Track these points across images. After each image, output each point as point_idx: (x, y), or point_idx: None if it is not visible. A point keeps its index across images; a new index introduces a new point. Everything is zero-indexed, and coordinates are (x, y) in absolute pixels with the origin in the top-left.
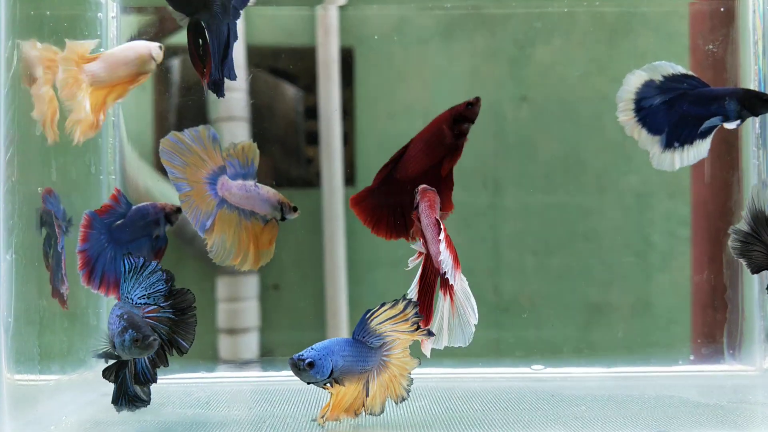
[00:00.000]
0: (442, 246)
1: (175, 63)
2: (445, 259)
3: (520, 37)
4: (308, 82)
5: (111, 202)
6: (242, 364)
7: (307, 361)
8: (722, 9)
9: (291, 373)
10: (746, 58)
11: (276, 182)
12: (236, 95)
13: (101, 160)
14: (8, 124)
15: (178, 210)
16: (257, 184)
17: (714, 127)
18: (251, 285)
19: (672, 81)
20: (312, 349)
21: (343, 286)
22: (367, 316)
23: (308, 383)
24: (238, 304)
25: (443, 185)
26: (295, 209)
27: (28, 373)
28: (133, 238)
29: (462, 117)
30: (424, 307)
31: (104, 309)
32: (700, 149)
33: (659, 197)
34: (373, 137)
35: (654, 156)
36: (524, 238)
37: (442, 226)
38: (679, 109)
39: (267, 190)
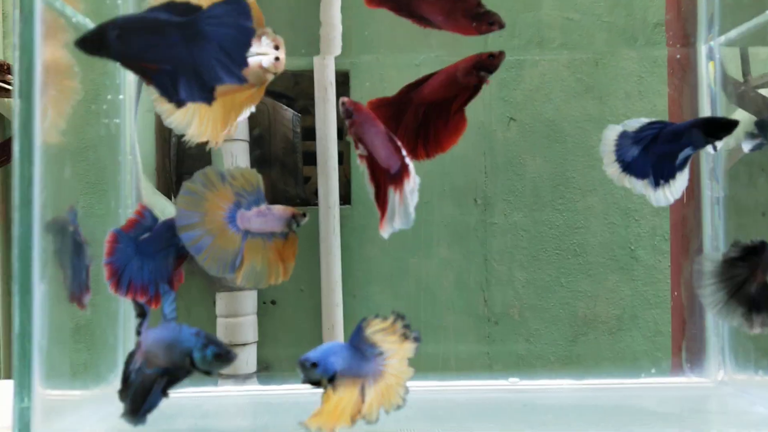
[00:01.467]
0: (408, 161)
1: None
2: (412, 173)
3: (508, 60)
4: (305, 104)
5: (135, 216)
6: (245, 378)
7: (311, 361)
8: (678, 56)
9: (292, 386)
10: (702, 101)
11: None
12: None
13: (119, 195)
14: (43, 171)
15: None
16: (268, 206)
17: (688, 157)
18: (250, 301)
19: (641, 131)
20: (315, 351)
21: (339, 301)
22: (363, 324)
23: (308, 382)
24: (237, 319)
25: (451, 124)
26: (303, 215)
27: (56, 389)
28: (159, 249)
29: (482, 65)
30: (380, 202)
31: (121, 329)
32: (682, 179)
33: (643, 213)
34: None
35: (650, 197)
36: (514, 253)
37: (399, 143)
38: (655, 151)
39: (278, 209)
